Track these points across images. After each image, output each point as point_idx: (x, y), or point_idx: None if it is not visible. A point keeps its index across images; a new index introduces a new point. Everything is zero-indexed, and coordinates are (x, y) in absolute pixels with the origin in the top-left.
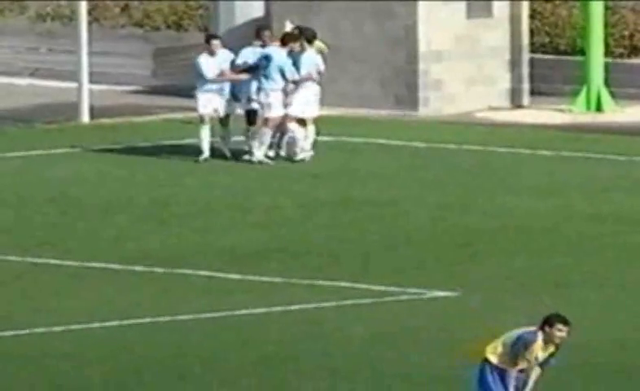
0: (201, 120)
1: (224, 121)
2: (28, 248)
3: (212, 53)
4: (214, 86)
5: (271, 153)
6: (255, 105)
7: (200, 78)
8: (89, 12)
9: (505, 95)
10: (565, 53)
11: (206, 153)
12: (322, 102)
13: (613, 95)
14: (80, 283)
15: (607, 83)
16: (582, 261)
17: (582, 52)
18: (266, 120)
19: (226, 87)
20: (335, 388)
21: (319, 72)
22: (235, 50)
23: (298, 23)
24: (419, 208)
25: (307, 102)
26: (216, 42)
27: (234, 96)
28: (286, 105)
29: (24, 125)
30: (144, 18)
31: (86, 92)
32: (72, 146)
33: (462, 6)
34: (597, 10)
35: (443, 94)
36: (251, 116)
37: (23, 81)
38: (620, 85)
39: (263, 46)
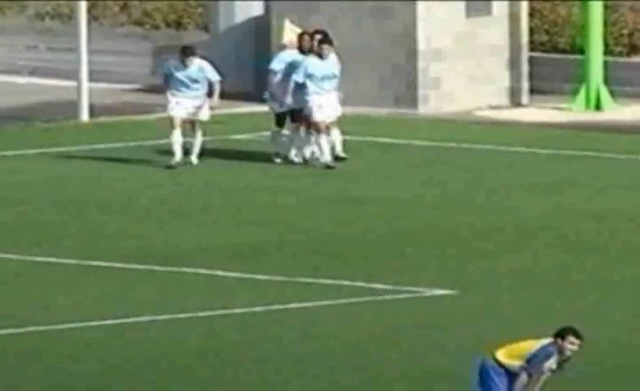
0: (170, 122)
1: (192, 126)
2: (27, 246)
3: (184, 65)
4: (184, 89)
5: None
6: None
7: (170, 80)
8: (89, 11)
9: (504, 94)
10: (564, 51)
11: (178, 157)
12: None
13: (612, 94)
14: (79, 282)
15: (606, 81)
16: (581, 259)
17: (581, 51)
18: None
19: (196, 95)
20: (334, 387)
21: None
22: (236, 48)
23: (297, 22)
24: (419, 207)
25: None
26: (192, 58)
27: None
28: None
29: (24, 124)
30: (144, 16)
31: (86, 90)
32: (72, 144)
33: (462, 4)
34: (596, 9)
35: (442, 93)
36: (294, 116)
37: (22, 79)
38: (619, 83)
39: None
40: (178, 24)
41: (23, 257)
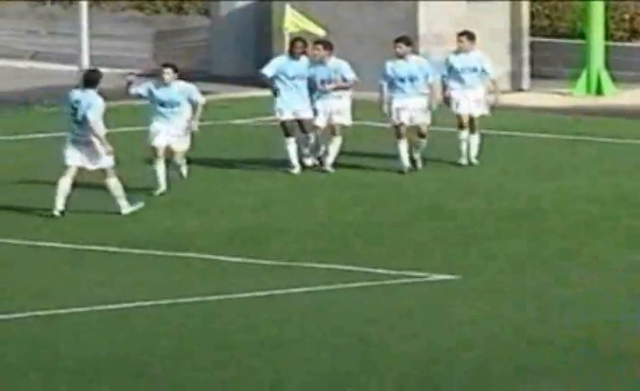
0: (154, 152)
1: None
2: (27, 230)
3: (164, 82)
4: (166, 113)
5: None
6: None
7: (151, 106)
8: None
9: (505, 78)
10: (565, 36)
11: (163, 187)
12: None
13: (613, 78)
14: (80, 266)
15: (607, 66)
16: (582, 243)
17: (582, 35)
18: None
19: (177, 119)
20: (337, 371)
21: None
22: (237, 33)
23: (298, 7)
24: (420, 191)
25: None
26: (168, 70)
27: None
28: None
29: (25, 108)
30: (145, 1)
31: None
32: None
33: None
34: None
35: None
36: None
37: (23, 63)
38: (620, 68)
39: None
40: (179, 9)
41: (23, 242)
